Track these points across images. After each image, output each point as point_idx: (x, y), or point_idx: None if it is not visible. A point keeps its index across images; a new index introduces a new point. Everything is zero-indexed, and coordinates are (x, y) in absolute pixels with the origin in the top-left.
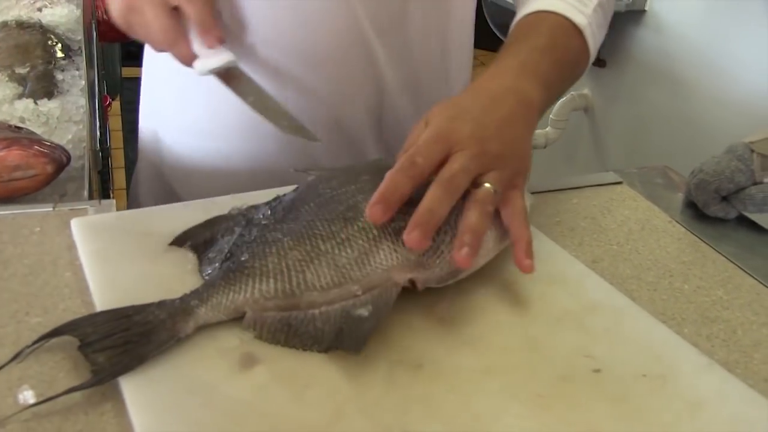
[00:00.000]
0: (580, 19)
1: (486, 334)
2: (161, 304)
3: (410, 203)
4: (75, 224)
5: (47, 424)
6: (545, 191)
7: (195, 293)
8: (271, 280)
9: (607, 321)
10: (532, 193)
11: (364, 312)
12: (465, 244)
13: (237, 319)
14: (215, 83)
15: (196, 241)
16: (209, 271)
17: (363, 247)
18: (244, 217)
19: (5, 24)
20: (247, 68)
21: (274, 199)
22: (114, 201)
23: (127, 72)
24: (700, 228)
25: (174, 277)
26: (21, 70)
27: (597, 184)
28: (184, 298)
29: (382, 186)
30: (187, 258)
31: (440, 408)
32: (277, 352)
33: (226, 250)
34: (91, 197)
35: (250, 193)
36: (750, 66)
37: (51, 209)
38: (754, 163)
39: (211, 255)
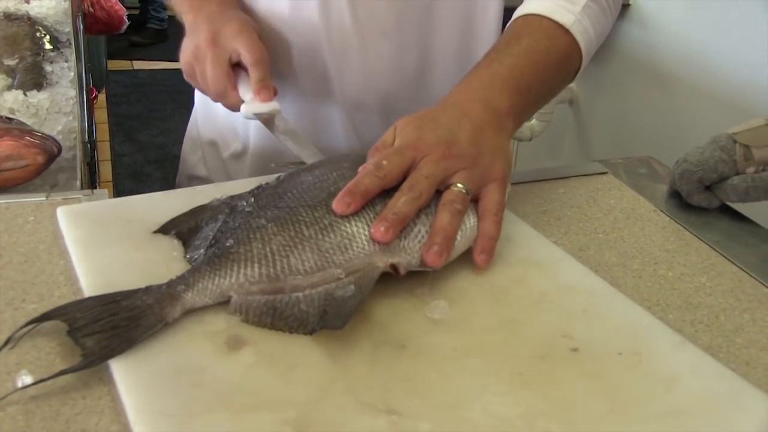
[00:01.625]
0: (566, 18)
1: (466, 316)
2: (148, 290)
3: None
4: (61, 212)
5: (46, 407)
6: (532, 181)
7: (181, 278)
8: (256, 265)
9: (583, 302)
10: (516, 183)
11: (347, 292)
12: (435, 244)
13: (223, 303)
14: None
15: (180, 228)
16: (194, 257)
17: (345, 233)
18: (227, 205)
19: None
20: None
21: (257, 188)
22: (106, 191)
23: (113, 65)
24: (683, 217)
25: (159, 263)
26: (10, 62)
27: (582, 174)
28: (171, 284)
29: (351, 183)
30: (172, 245)
31: (423, 386)
32: (263, 335)
33: (211, 237)
34: (82, 188)
35: (232, 182)
36: (733, 59)
37: (44, 198)
38: (737, 153)
39: (196, 242)
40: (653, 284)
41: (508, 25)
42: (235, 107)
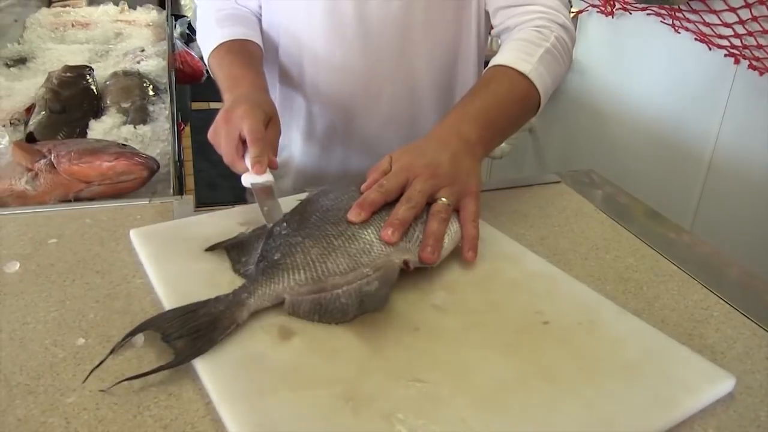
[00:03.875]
0: (524, 66)
1: (461, 302)
2: (218, 299)
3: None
4: (133, 234)
5: (144, 395)
6: (505, 188)
7: (243, 288)
8: (302, 271)
9: (546, 285)
10: (492, 190)
11: (375, 284)
12: (428, 245)
13: (277, 304)
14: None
15: (227, 246)
16: (245, 271)
17: (366, 240)
18: (264, 230)
19: (115, 73)
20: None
21: (285, 215)
22: (191, 197)
23: (195, 105)
24: (616, 214)
25: (214, 272)
26: (125, 105)
27: (542, 182)
28: (236, 293)
29: (360, 198)
30: (221, 258)
31: (438, 359)
32: (307, 325)
33: (258, 255)
34: (173, 194)
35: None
36: (647, 92)
37: (147, 202)
38: None
39: (243, 259)
40: (596, 264)
41: (482, 74)
42: (240, 172)
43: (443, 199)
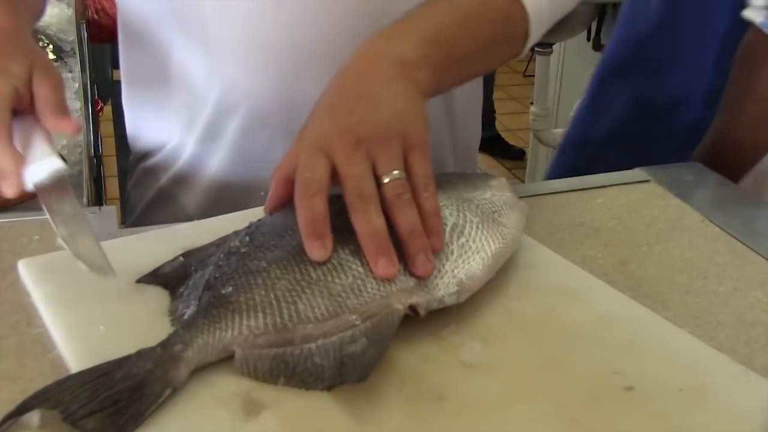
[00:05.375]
0: None
1: (503, 357)
2: (140, 354)
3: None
4: (23, 266)
5: None
6: (567, 191)
7: (176, 336)
8: (260, 314)
9: (627, 332)
10: (551, 194)
11: (363, 342)
12: (419, 252)
13: (230, 358)
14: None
15: (167, 277)
16: (181, 310)
17: (357, 272)
18: (218, 247)
19: None
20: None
21: (249, 226)
22: (114, 208)
23: (119, 75)
24: (735, 226)
25: (150, 318)
26: None
27: (623, 182)
28: (166, 344)
29: (303, 223)
30: (159, 297)
31: None
32: (281, 395)
33: (203, 285)
34: (89, 205)
35: (216, 219)
36: None
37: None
38: None
39: (185, 292)
40: (702, 300)
41: None
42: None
43: (395, 172)
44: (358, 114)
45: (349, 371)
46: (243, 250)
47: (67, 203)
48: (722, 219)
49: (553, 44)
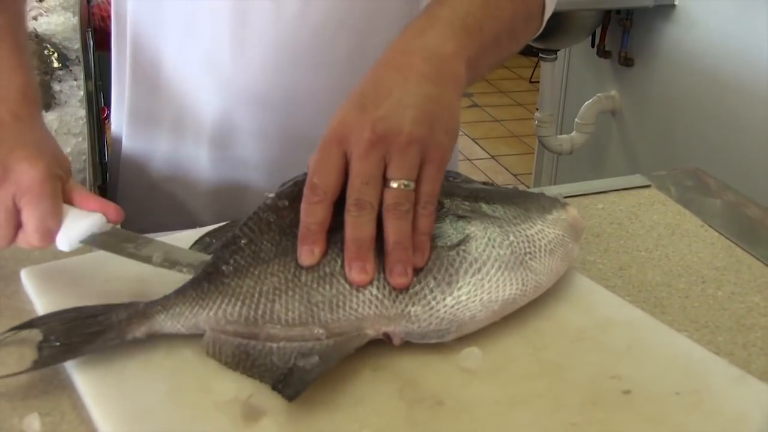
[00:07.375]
0: None
1: (502, 362)
2: (127, 306)
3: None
4: (25, 274)
5: None
6: (569, 196)
7: (164, 298)
8: (239, 303)
9: (625, 337)
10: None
11: (314, 360)
12: (398, 262)
13: (227, 367)
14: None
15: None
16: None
17: (342, 288)
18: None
19: None
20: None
21: (286, 190)
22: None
23: None
24: (734, 232)
25: None
26: None
27: (623, 188)
28: (151, 303)
29: (302, 226)
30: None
31: None
32: (279, 401)
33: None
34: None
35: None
36: None
37: None
38: None
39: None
40: (701, 305)
41: None
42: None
43: (404, 181)
44: (385, 109)
45: (289, 383)
46: (272, 218)
47: (126, 243)
48: (721, 224)
49: (558, 50)
